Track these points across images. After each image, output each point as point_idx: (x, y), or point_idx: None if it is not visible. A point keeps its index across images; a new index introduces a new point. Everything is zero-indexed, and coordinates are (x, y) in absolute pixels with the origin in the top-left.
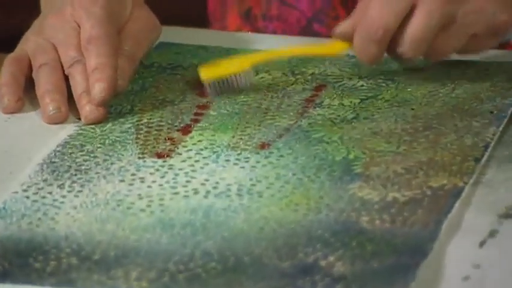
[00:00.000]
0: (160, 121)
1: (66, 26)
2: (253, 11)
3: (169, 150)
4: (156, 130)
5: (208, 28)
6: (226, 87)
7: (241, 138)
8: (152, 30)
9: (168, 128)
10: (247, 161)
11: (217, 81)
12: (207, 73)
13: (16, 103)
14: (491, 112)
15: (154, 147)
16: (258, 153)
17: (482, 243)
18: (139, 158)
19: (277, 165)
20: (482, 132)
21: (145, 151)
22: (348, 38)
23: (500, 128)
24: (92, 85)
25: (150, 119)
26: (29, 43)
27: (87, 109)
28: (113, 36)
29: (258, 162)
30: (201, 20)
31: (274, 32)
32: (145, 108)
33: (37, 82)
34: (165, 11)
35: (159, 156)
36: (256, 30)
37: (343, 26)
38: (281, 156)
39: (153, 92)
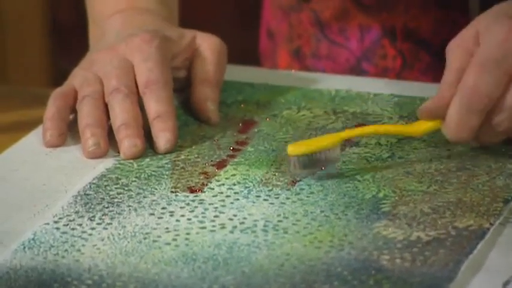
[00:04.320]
0: (197, 157)
1: (115, 60)
2: (302, 50)
3: (202, 185)
4: (192, 166)
5: (260, 66)
6: (313, 162)
7: (274, 175)
8: (225, 54)
9: (204, 163)
10: (277, 197)
11: (304, 156)
12: (294, 149)
13: (58, 138)
14: None
15: (187, 181)
16: (288, 189)
17: (506, 284)
18: (171, 192)
19: (307, 202)
20: None
21: (179, 185)
22: (439, 115)
23: None
24: (156, 135)
25: (188, 155)
26: (77, 77)
27: (125, 144)
28: (170, 80)
29: (287, 198)
30: (253, 59)
31: (323, 71)
32: (184, 144)
33: (79, 114)
34: None
35: (192, 190)
36: (305, 68)
37: (431, 102)
38: (311, 193)
39: (194, 128)
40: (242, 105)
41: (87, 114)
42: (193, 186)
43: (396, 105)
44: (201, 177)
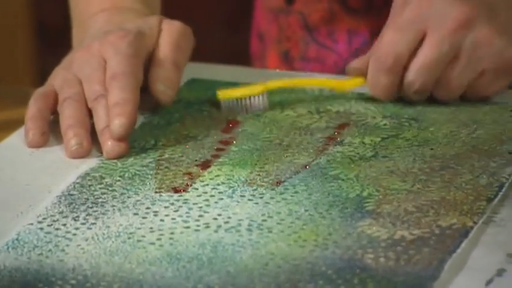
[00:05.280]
0: (181, 156)
1: (93, 61)
2: (291, 53)
3: (186, 185)
4: (176, 165)
5: (251, 67)
6: (239, 106)
7: (258, 175)
8: (188, 38)
9: (188, 163)
10: (261, 197)
11: (232, 100)
12: (223, 94)
13: (40, 137)
14: (510, 153)
15: (172, 181)
16: (273, 189)
17: (489, 282)
18: (156, 192)
19: (291, 201)
20: (498, 172)
21: (163, 185)
22: (363, 73)
23: None
24: (112, 119)
25: (172, 154)
26: (57, 78)
27: (108, 144)
28: (137, 72)
29: (272, 198)
30: (244, 62)
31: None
32: (168, 143)
33: (61, 116)
34: (213, 51)
35: (176, 190)
36: (294, 70)
37: (357, 61)
38: (296, 192)
39: (178, 127)
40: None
41: (69, 116)
42: (177, 187)
43: (379, 105)
44: (185, 178)
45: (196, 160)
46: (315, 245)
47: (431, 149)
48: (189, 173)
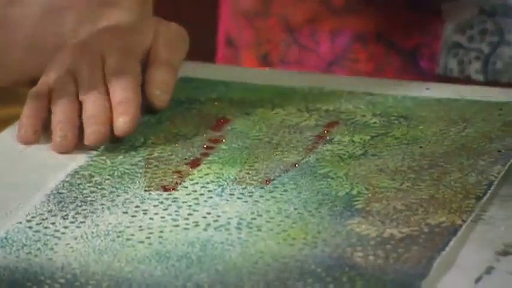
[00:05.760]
0: (171, 155)
1: (88, 58)
2: (270, 55)
3: (175, 184)
4: (165, 164)
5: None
6: None
7: (248, 173)
8: (184, 40)
9: (177, 162)
10: (250, 195)
11: None
12: None
13: (32, 135)
14: (499, 151)
15: (161, 180)
16: (262, 187)
17: (478, 280)
18: (145, 190)
19: (280, 200)
20: (487, 170)
21: (152, 184)
22: None
23: (506, 167)
24: (116, 117)
25: (161, 152)
26: (51, 73)
27: (89, 130)
28: (137, 71)
29: (261, 196)
30: None
31: None
32: (157, 141)
33: (53, 114)
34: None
35: (165, 189)
36: None
37: None
38: (285, 190)
39: (167, 125)
40: (216, 103)
41: (59, 112)
42: (167, 185)
43: (369, 103)
44: (175, 176)
45: (185, 158)
46: (304, 243)
47: (421, 147)
48: (179, 172)
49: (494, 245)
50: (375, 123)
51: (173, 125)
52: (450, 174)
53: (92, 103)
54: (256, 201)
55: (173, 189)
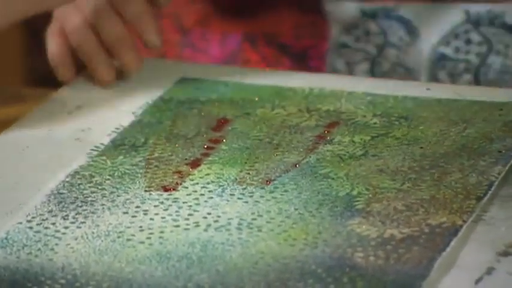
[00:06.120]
0: (171, 155)
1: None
2: (166, 57)
3: (176, 184)
4: (166, 164)
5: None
6: None
7: (248, 173)
8: None
9: (178, 162)
10: (251, 196)
11: None
12: None
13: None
14: (500, 151)
15: (161, 180)
16: (263, 188)
17: (478, 281)
18: (145, 191)
19: (281, 200)
20: (488, 171)
21: (152, 184)
22: None
23: (507, 167)
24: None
25: (162, 153)
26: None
27: (128, 57)
28: None
29: (261, 196)
30: None
31: None
32: (158, 142)
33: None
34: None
35: (166, 189)
36: None
37: None
38: (285, 191)
39: (168, 125)
40: (216, 103)
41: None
42: (167, 185)
43: (370, 104)
44: (175, 177)
45: (186, 159)
46: (305, 243)
47: (421, 147)
48: (179, 172)
49: (494, 246)
50: (375, 123)
51: (174, 125)
52: (451, 175)
53: (112, 26)
54: (256, 201)
55: (173, 189)
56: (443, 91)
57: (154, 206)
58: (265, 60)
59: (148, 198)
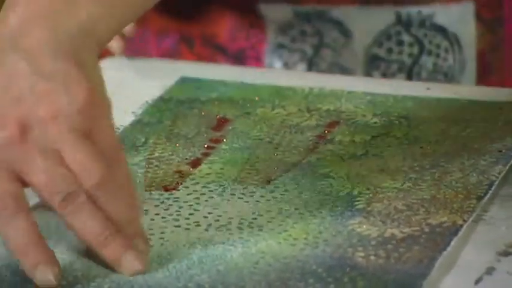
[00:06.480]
0: (172, 155)
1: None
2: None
3: (176, 183)
4: (166, 164)
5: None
6: None
7: (249, 173)
8: None
9: (178, 162)
10: (252, 195)
11: None
12: None
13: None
14: (500, 151)
15: (162, 180)
16: (263, 187)
17: (478, 281)
18: (146, 190)
19: (281, 200)
20: (488, 170)
21: (153, 184)
22: None
23: (507, 167)
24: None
25: (162, 152)
26: None
27: (128, 259)
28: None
29: (262, 196)
30: None
31: None
32: (158, 141)
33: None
34: None
35: (166, 189)
36: None
37: None
38: (286, 190)
39: (168, 125)
40: (216, 103)
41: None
42: (168, 185)
43: (369, 103)
44: (176, 176)
45: (186, 158)
46: (305, 243)
47: (421, 147)
48: (180, 171)
49: (495, 245)
50: (375, 123)
51: (174, 124)
52: (451, 174)
53: (92, 219)
54: (257, 201)
55: (174, 189)
56: (443, 91)
57: (155, 205)
58: (201, 60)
59: (149, 198)
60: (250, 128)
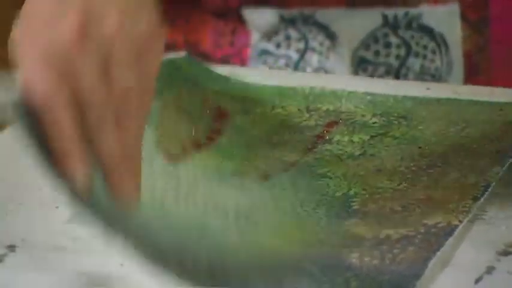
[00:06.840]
0: (177, 125)
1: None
2: None
3: (178, 157)
4: (173, 133)
5: None
6: None
7: (247, 169)
8: None
9: (183, 136)
10: (249, 190)
11: None
12: None
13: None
14: (498, 151)
15: (167, 148)
16: (261, 183)
17: (478, 280)
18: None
19: (278, 197)
20: (486, 171)
21: (159, 144)
22: None
23: (505, 168)
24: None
25: (169, 118)
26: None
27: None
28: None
29: (259, 192)
30: None
31: None
32: (166, 105)
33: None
34: None
35: (168, 158)
36: None
37: None
38: (283, 189)
39: (173, 100)
40: (217, 95)
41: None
42: (172, 155)
43: (370, 103)
44: (179, 150)
45: (189, 137)
46: (301, 242)
47: (420, 147)
48: (183, 147)
49: (495, 245)
50: (374, 123)
51: (179, 98)
52: (449, 175)
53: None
54: (254, 196)
55: (175, 161)
56: (442, 91)
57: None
58: None
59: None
60: (249, 126)
